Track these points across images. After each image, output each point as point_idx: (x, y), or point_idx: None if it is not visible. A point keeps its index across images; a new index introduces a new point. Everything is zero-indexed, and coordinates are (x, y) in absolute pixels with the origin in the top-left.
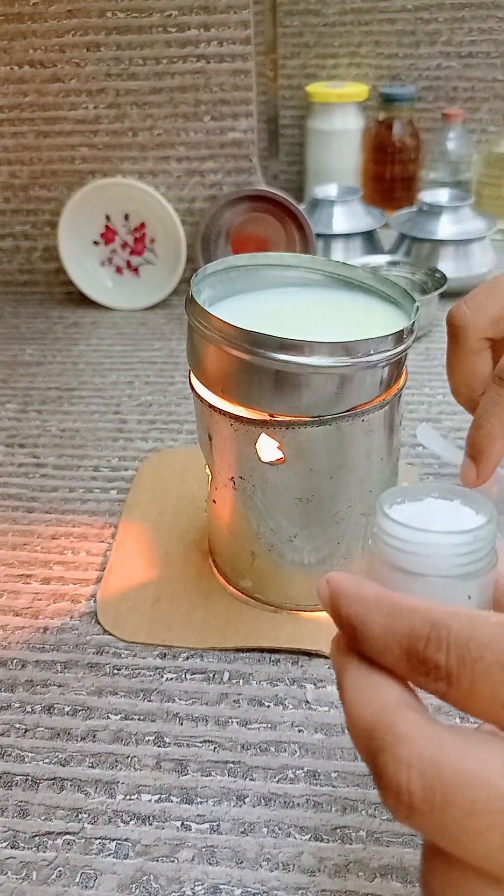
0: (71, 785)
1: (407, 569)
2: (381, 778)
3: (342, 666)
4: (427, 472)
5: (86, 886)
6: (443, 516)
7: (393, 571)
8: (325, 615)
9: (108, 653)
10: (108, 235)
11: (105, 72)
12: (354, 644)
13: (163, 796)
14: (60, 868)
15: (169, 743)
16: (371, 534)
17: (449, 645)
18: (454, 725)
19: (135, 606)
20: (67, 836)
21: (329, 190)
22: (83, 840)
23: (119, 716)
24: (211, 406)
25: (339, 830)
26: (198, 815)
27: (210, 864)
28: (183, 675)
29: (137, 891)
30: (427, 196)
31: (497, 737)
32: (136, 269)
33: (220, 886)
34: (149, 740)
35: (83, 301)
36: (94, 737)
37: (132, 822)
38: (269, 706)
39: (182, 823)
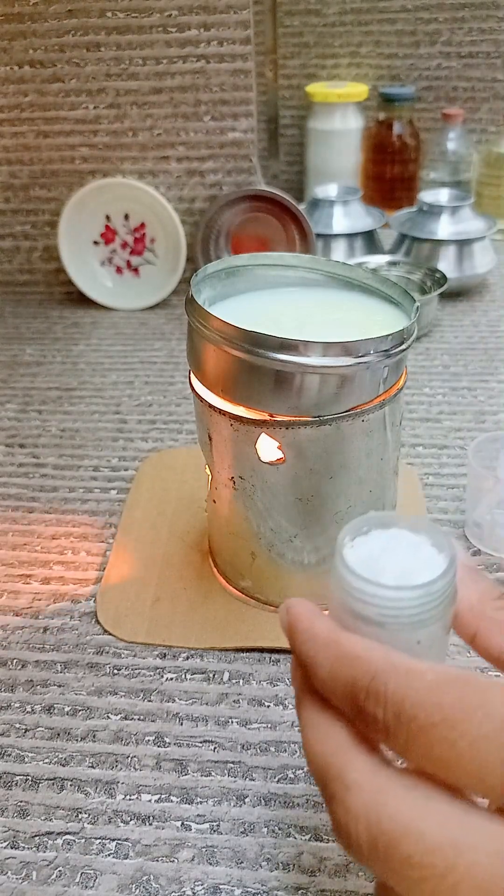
0: (71, 785)
1: (359, 613)
2: (333, 823)
3: (300, 699)
4: (427, 472)
5: (86, 886)
6: (403, 556)
7: (345, 613)
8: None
9: (108, 653)
10: (108, 235)
11: (105, 72)
12: (308, 680)
13: (163, 796)
14: (60, 868)
15: (169, 743)
16: (331, 567)
17: (386, 701)
18: (400, 771)
19: (135, 606)
20: (67, 836)
21: (329, 190)
22: (83, 840)
23: (119, 716)
24: (211, 406)
25: None
26: (198, 815)
27: (210, 864)
28: (183, 675)
29: (137, 891)
30: (427, 196)
31: (432, 785)
32: (136, 269)
33: (220, 886)
34: (149, 740)
35: (83, 301)
36: (94, 737)
37: (132, 822)
38: (269, 706)
39: (182, 823)
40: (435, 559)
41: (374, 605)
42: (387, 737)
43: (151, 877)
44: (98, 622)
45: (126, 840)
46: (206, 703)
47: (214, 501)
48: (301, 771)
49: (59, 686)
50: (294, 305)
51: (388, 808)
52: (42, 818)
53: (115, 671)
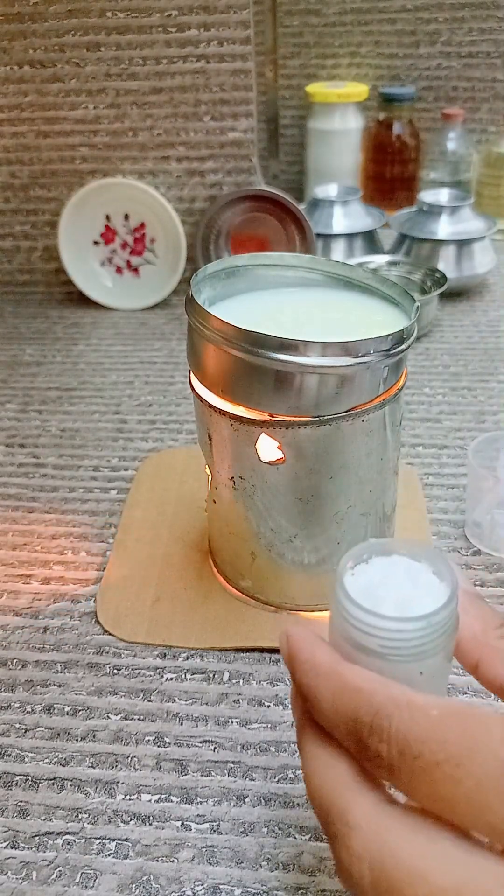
0: (71, 785)
1: (359, 643)
2: (337, 863)
3: (301, 730)
4: (427, 472)
5: (86, 886)
6: (403, 585)
7: (345, 643)
8: (325, 615)
9: (108, 653)
10: (108, 235)
11: (105, 72)
12: (309, 710)
13: (163, 796)
14: (60, 868)
15: (169, 743)
16: (330, 596)
17: (390, 737)
18: (404, 809)
19: (135, 606)
20: (67, 836)
21: (329, 190)
22: (83, 840)
23: (119, 716)
24: (211, 406)
25: None
26: (198, 815)
27: (210, 864)
28: (183, 675)
29: (137, 891)
30: (427, 196)
31: (436, 824)
32: (136, 269)
33: (220, 886)
34: (149, 740)
35: (83, 301)
36: (94, 737)
37: (132, 822)
38: (269, 706)
39: (182, 823)
40: (436, 587)
41: (375, 636)
42: (390, 773)
43: (151, 877)
44: (98, 622)
45: (126, 840)
46: (206, 703)
47: (214, 501)
48: (301, 771)
49: (59, 686)
50: (294, 305)
51: (392, 849)
52: (42, 818)
53: (115, 671)
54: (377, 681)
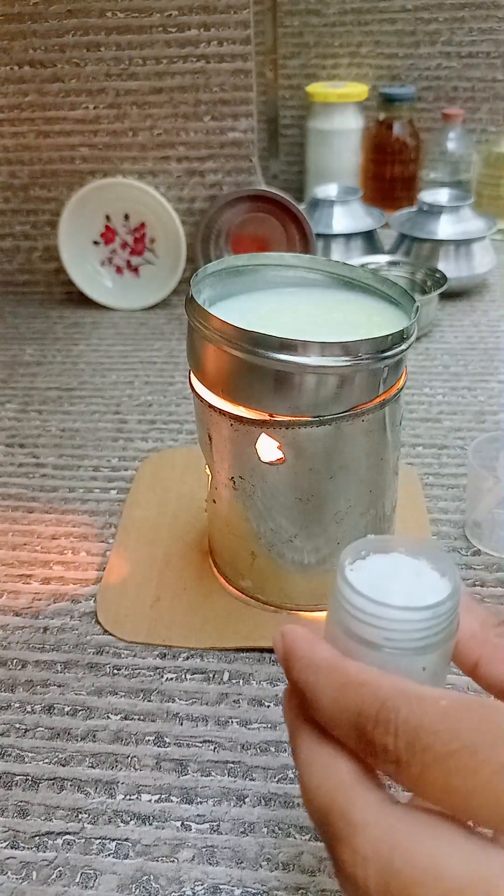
0: (71, 785)
1: (362, 637)
2: (339, 869)
3: (296, 731)
4: (427, 472)
5: (86, 886)
6: (406, 579)
7: (347, 637)
8: (325, 616)
9: (108, 653)
10: (108, 235)
11: (105, 72)
12: (306, 709)
13: (163, 796)
14: (60, 868)
15: (169, 743)
16: (330, 590)
17: (397, 729)
18: (408, 806)
19: (135, 606)
20: (67, 836)
21: (329, 190)
22: (83, 840)
23: (119, 716)
24: (211, 406)
25: None
26: (198, 815)
27: (210, 864)
28: (183, 675)
29: (137, 891)
30: (427, 196)
31: (445, 821)
32: (136, 269)
33: (220, 886)
34: (149, 740)
35: (83, 301)
36: (94, 737)
37: (132, 822)
38: (269, 706)
39: (182, 823)
40: (438, 583)
41: (380, 626)
42: (397, 769)
43: (151, 877)
44: (98, 622)
45: (126, 840)
46: (206, 703)
47: (214, 501)
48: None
49: (59, 686)
50: (294, 305)
51: (401, 847)
52: (42, 818)
53: (115, 671)
54: (381, 675)
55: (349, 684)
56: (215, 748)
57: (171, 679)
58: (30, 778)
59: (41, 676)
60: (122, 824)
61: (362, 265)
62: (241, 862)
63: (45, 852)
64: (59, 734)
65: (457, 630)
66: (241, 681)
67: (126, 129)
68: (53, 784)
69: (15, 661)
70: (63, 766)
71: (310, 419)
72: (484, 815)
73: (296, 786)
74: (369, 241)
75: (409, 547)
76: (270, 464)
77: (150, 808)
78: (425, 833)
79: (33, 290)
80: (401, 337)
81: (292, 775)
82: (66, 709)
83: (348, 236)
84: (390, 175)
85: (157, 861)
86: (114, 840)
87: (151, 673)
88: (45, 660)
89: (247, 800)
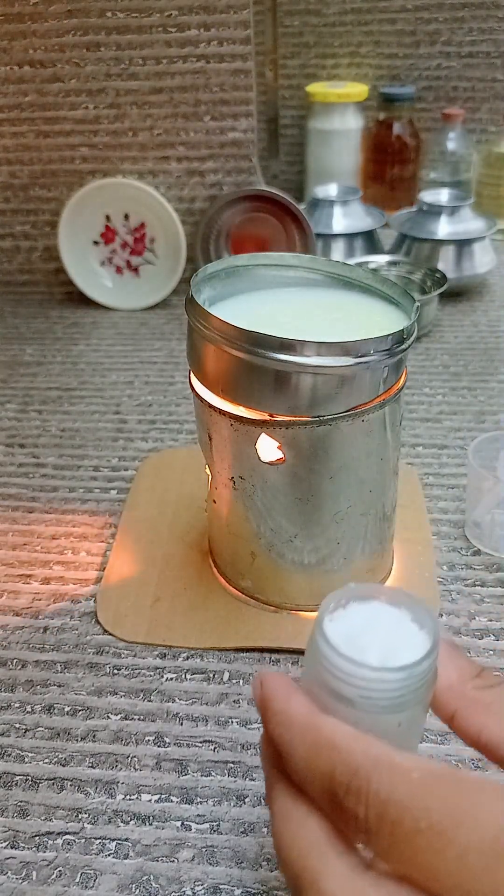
0: (71, 785)
1: (338, 693)
2: None
3: (270, 783)
4: (427, 472)
5: (86, 886)
6: (384, 631)
7: (322, 691)
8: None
9: (108, 653)
10: (108, 235)
11: (105, 72)
12: (281, 763)
13: (163, 796)
14: (60, 868)
15: (169, 743)
16: (308, 642)
17: (368, 800)
18: (378, 875)
19: (135, 606)
20: (67, 836)
21: (329, 190)
22: (83, 840)
23: (119, 716)
24: (211, 406)
25: None
26: (198, 815)
27: (210, 864)
28: (183, 675)
29: (137, 891)
30: (427, 196)
31: (414, 892)
32: (136, 269)
33: (220, 886)
34: (149, 740)
35: (83, 301)
36: (94, 737)
37: (132, 822)
38: None
39: (182, 823)
40: (416, 636)
41: (355, 686)
42: (367, 838)
43: (151, 877)
44: (98, 622)
45: (126, 840)
46: (206, 703)
47: (214, 501)
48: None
49: (59, 686)
50: (294, 305)
51: None
52: (42, 818)
53: (115, 671)
54: (355, 737)
55: (322, 746)
56: (215, 748)
57: (171, 679)
58: (30, 778)
59: (41, 676)
60: (122, 824)
61: (362, 265)
62: (241, 862)
63: (45, 852)
64: (59, 734)
65: (434, 683)
66: (241, 681)
67: (126, 129)
68: (53, 784)
69: (15, 661)
70: (63, 766)
71: (310, 419)
72: (448, 894)
73: None
74: (369, 241)
75: (390, 596)
76: (270, 464)
77: (150, 808)
78: None
79: (33, 290)
80: (401, 337)
81: None
82: (66, 709)
83: (348, 236)
84: (390, 175)
85: (157, 861)
86: (114, 840)
87: (151, 673)
88: (45, 660)
89: (247, 800)
